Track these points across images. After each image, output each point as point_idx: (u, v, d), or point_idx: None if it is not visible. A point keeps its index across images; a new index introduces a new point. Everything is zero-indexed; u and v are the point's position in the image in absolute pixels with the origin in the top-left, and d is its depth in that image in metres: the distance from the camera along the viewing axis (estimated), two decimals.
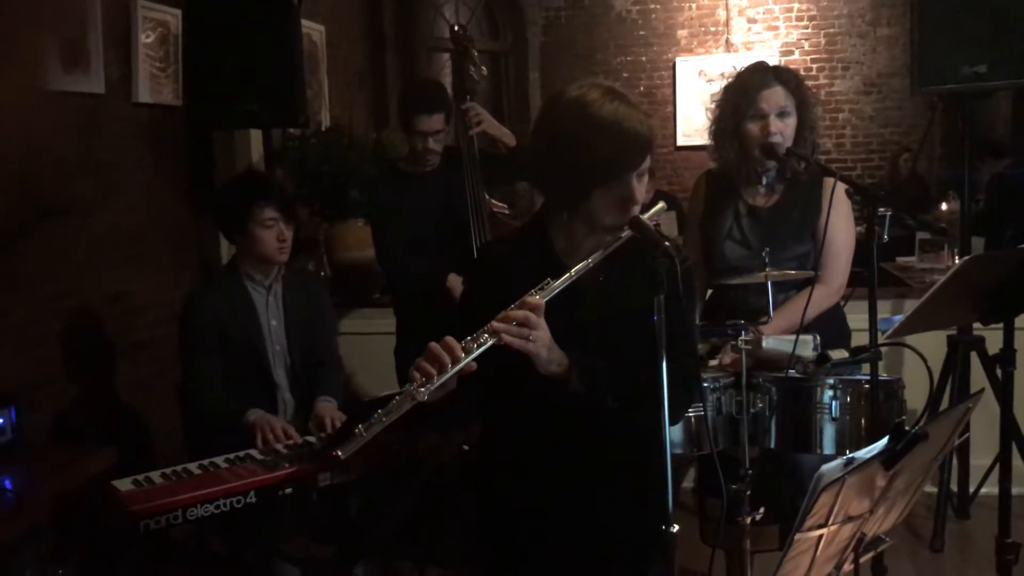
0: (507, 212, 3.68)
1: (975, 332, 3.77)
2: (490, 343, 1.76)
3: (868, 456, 1.54)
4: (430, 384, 1.73)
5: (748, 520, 2.49)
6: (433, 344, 1.76)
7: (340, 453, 1.83)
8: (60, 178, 3.42)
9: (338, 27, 6.06)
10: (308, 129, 4.63)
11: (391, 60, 7.06)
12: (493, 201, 3.59)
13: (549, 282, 1.81)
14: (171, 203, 4.12)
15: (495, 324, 1.77)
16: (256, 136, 4.35)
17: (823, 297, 2.73)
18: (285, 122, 4.18)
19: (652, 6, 8.86)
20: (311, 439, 2.90)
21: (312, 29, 5.40)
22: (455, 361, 1.74)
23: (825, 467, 1.50)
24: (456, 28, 3.68)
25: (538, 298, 1.78)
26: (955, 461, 3.92)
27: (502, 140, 3.60)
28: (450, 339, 1.76)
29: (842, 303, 2.92)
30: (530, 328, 1.76)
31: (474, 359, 1.75)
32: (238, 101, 3.83)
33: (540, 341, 1.78)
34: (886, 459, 1.55)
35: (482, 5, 8.68)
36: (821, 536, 1.56)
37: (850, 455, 1.55)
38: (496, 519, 2.08)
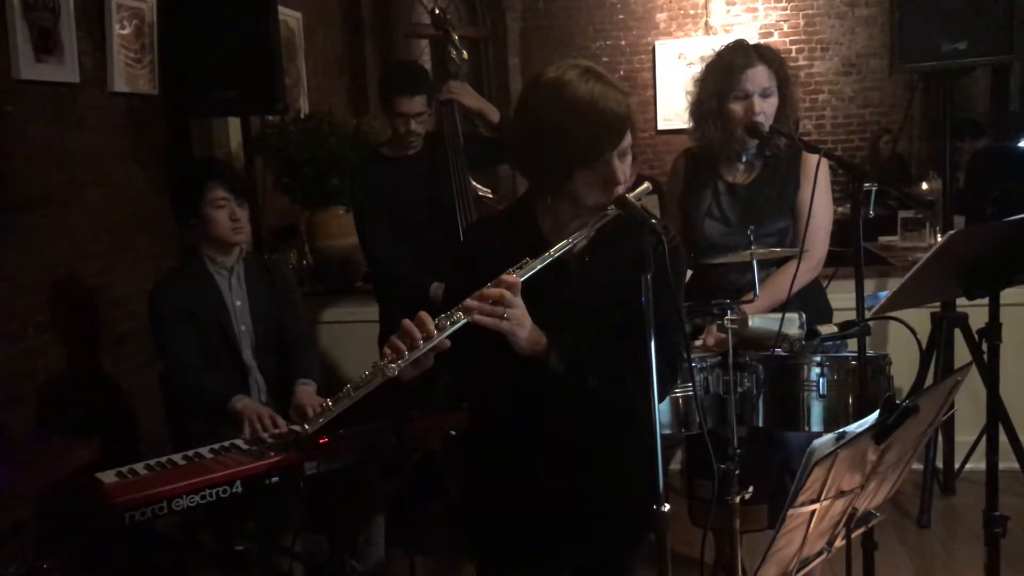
0: (491, 196, 3.65)
1: (958, 309, 3.79)
2: (463, 321, 1.74)
3: (860, 430, 1.53)
4: (401, 360, 1.71)
5: (737, 499, 2.49)
6: (406, 320, 1.75)
7: (307, 427, 1.81)
8: (35, 169, 3.38)
9: (315, 13, 6.01)
10: (287, 116, 4.58)
11: (369, 46, 7.02)
12: (477, 185, 3.56)
13: (528, 261, 1.79)
14: (149, 193, 4.08)
15: (468, 302, 1.75)
16: (235, 124, 4.31)
17: (804, 271, 2.73)
18: (263, 109, 4.14)
19: None
20: (296, 427, 2.88)
21: (289, 16, 5.35)
22: (427, 337, 1.72)
23: (817, 442, 1.50)
24: (437, 12, 3.64)
25: (514, 276, 1.77)
26: (940, 438, 3.95)
27: (484, 115, 3.55)
28: (423, 315, 1.75)
29: (825, 283, 2.92)
30: (505, 306, 1.74)
31: (448, 336, 1.74)
32: (216, 89, 3.78)
33: (515, 319, 1.76)
34: (878, 433, 1.54)
35: None
36: (814, 511, 1.55)
37: (842, 429, 1.55)
38: (481, 503, 2.07)
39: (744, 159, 2.85)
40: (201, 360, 3.06)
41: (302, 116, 5.10)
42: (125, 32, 3.86)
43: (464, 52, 3.59)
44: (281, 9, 4.13)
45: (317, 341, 3.45)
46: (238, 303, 3.16)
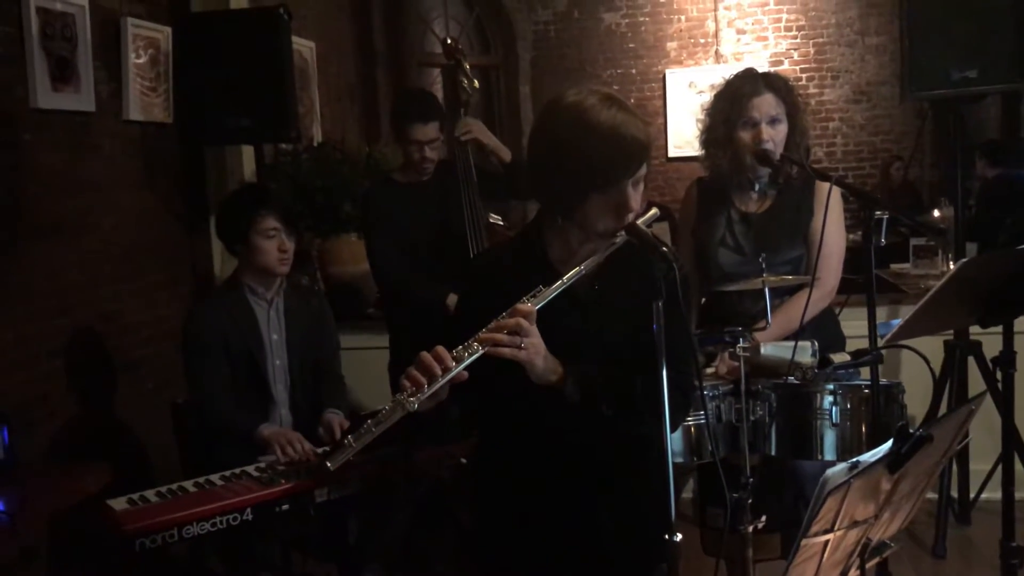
0: (502, 223, 3.66)
1: (972, 337, 3.77)
2: (481, 352, 1.73)
3: (873, 459, 1.52)
4: (420, 393, 1.71)
5: (750, 529, 2.47)
6: (424, 353, 1.74)
7: (329, 464, 1.81)
8: (50, 196, 3.40)
9: (329, 43, 6.07)
10: (300, 144, 4.62)
11: (382, 75, 7.08)
12: (488, 212, 3.57)
13: (541, 289, 1.79)
14: (163, 220, 4.11)
15: (486, 332, 1.75)
16: (248, 152, 4.33)
17: (816, 300, 2.72)
18: (277, 137, 4.17)
19: (641, 19, 8.90)
20: (320, 451, 2.87)
21: (303, 45, 5.40)
22: (445, 370, 1.72)
23: (830, 471, 1.49)
24: (448, 41, 3.67)
25: (529, 305, 1.76)
26: (955, 467, 3.91)
27: (496, 153, 3.58)
28: (440, 348, 1.74)
29: (837, 310, 2.91)
30: (521, 336, 1.74)
31: (465, 368, 1.73)
32: (229, 117, 3.82)
33: (532, 349, 1.76)
34: (891, 462, 1.53)
35: (472, 20, 8.71)
36: (827, 542, 1.54)
37: (855, 459, 1.54)
38: (493, 531, 2.06)
39: (756, 188, 2.84)
40: (229, 391, 3.03)
41: (315, 144, 5.14)
42: (141, 61, 3.90)
43: (475, 81, 3.61)
44: (295, 39, 4.18)
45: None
46: (274, 337, 3.12)
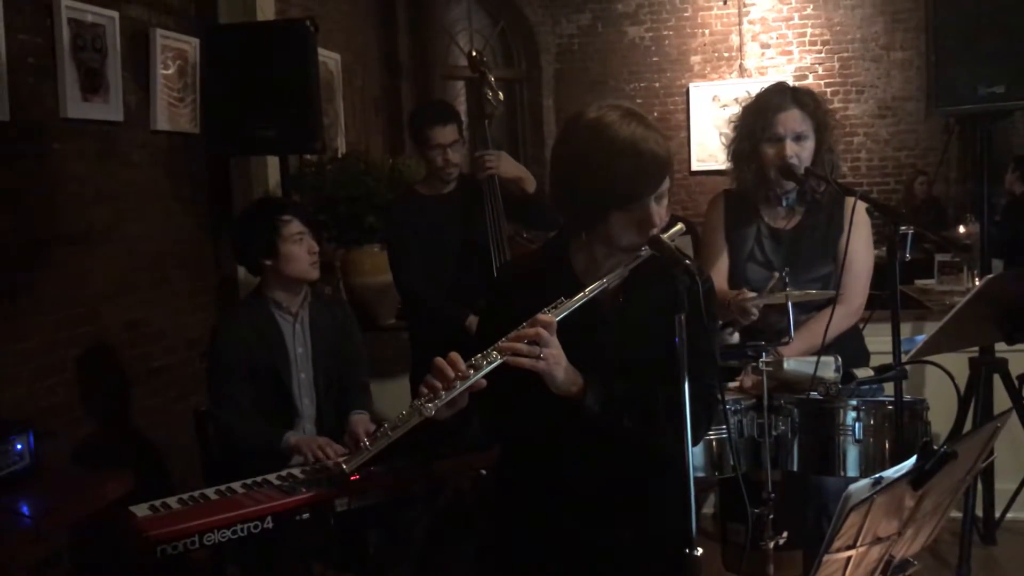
0: (525, 236, 3.67)
1: (997, 354, 3.73)
2: (499, 360, 1.74)
3: (896, 475, 1.51)
4: (437, 400, 1.71)
5: (771, 545, 2.45)
6: (438, 359, 1.75)
7: (345, 467, 1.82)
8: (78, 205, 3.44)
9: (354, 56, 6.11)
10: (325, 155, 4.65)
11: (406, 88, 7.12)
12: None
13: (563, 301, 1.79)
14: (189, 229, 4.15)
15: (505, 342, 1.75)
16: (273, 163, 4.37)
17: (842, 317, 2.70)
18: (302, 149, 4.20)
19: (665, 33, 8.91)
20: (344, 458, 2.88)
21: (328, 58, 5.44)
22: (462, 377, 1.72)
23: (853, 487, 1.47)
24: (473, 54, 3.69)
25: (550, 316, 1.77)
26: (979, 486, 3.87)
27: (521, 183, 3.56)
28: (454, 354, 1.75)
29: (861, 325, 2.89)
30: (541, 346, 1.74)
31: (484, 376, 1.73)
32: (255, 128, 3.85)
33: (551, 359, 1.76)
34: (915, 479, 1.52)
35: (496, 33, 8.75)
36: (849, 558, 1.52)
37: (878, 475, 1.52)
38: (513, 543, 2.06)
39: (784, 203, 2.82)
40: (253, 409, 3.01)
41: (339, 155, 5.17)
42: (169, 72, 3.95)
43: (500, 93, 3.62)
44: (320, 50, 4.21)
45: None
46: (300, 350, 3.10)
